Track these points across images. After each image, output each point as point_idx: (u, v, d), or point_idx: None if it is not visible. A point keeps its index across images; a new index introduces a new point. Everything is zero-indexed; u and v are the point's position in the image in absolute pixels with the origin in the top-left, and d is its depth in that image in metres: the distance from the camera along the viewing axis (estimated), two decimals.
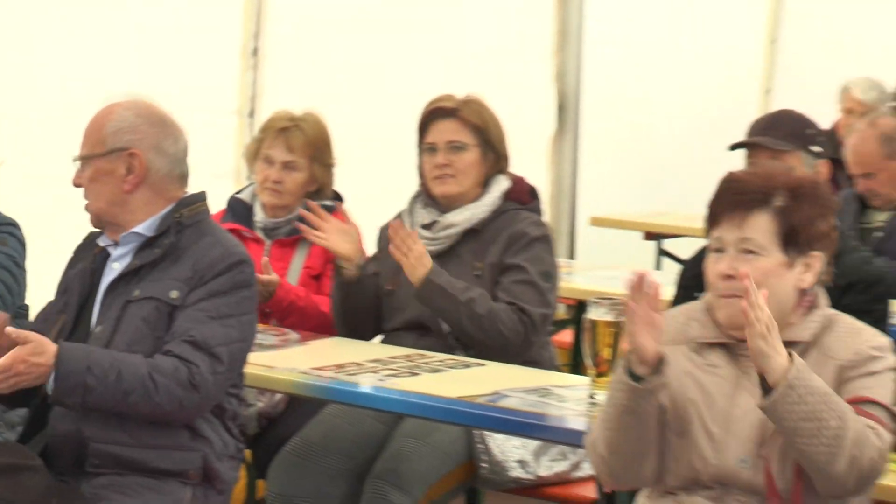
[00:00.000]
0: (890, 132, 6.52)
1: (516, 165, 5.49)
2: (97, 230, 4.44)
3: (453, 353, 5.19)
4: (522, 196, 5.42)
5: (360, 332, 5.42)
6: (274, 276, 5.50)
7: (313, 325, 5.52)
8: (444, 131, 5.33)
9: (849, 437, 3.52)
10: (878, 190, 6.52)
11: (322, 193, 5.78)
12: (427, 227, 5.37)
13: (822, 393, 3.53)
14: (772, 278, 3.68)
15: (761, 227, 3.71)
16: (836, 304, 4.01)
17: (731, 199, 3.75)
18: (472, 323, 5.16)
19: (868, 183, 6.52)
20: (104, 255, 4.39)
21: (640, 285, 3.61)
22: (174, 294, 4.26)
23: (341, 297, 5.39)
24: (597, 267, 7.46)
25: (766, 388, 3.54)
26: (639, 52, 9.41)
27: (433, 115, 5.36)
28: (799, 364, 3.53)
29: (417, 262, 5.18)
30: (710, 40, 9.75)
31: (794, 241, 3.71)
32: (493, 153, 5.37)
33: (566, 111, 8.96)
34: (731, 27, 9.96)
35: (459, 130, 5.32)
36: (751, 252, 3.70)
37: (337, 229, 5.36)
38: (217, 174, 7.23)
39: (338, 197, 5.85)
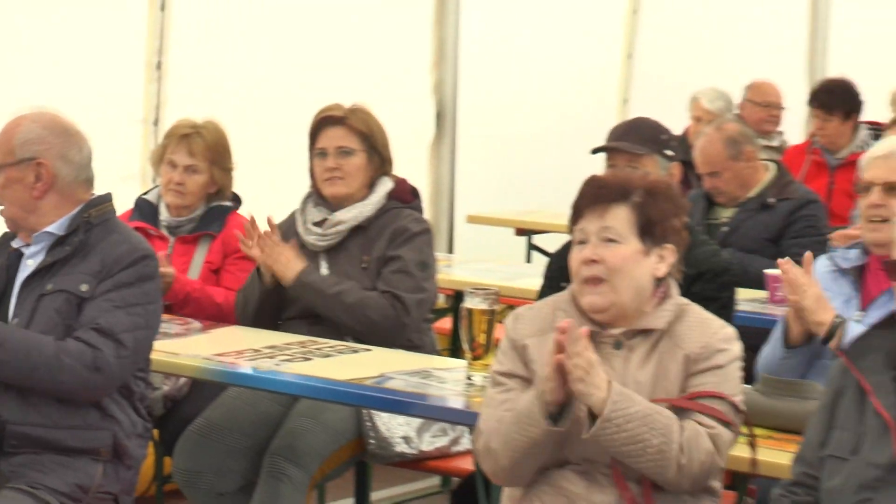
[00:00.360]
0: (734, 135, 6.58)
1: (399, 168, 5.49)
2: (11, 232, 4.42)
3: (343, 340, 5.18)
4: (405, 196, 5.43)
5: (264, 324, 5.40)
6: (170, 270, 5.47)
7: (207, 315, 5.50)
8: (334, 137, 5.32)
9: (674, 450, 3.53)
10: (722, 188, 6.58)
11: (221, 195, 5.76)
12: (318, 224, 5.37)
13: (642, 416, 3.53)
14: (630, 263, 3.70)
15: (621, 217, 3.72)
16: (687, 292, 4.04)
17: (594, 194, 3.76)
18: (343, 312, 5.18)
19: (714, 181, 6.57)
20: (18, 254, 4.36)
21: (565, 340, 3.53)
22: (84, 287, 4.24)
23: (259, 301, 5.35)
24: (473, 260, 7.46)
25: (594, 418, 3.54)
26: (510, 65, 9.43)
27: (324, 122, 5.35)
28: (615, 396, 3.52)
29: (286, 266, 5.20)
30: (574, 56, 9.80)
31: (650, 232, 3.72)
32: (379, 157, 5.37)
33: (444, 119, 8.98)
34: (592, 44, 10.02)
35: (347, 137, 5.31)
36: (611, 240, 3.71)
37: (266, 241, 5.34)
38: (125, 177, 7.21)
39: (236, 198, 5.83)
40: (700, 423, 3.59)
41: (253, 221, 5.34)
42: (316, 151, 5.35)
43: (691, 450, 3.55)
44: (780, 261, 4.49)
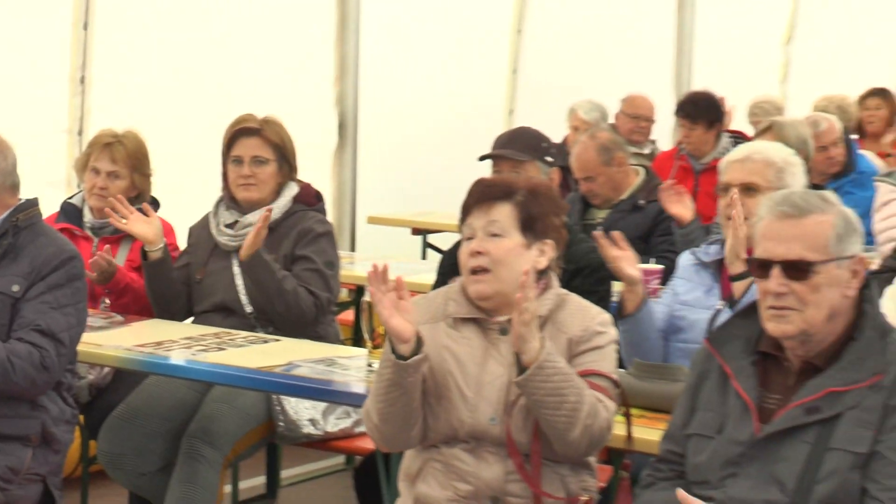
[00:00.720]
0: (606, 143, 6.62)
1: (305, 174, 5.51)
2: None
3: (254, 331, 5.18)
4: (309, 199, 5.43)
5: (172, 311, 5.38)
6: (115, 261, 5.46)
7: (143, 304, 5.47)
8: (250, 147, 5.30)
9: (584, 410, 3.56)
10: (597, 191, 6.61)
11: (141, 198, 5.72)
12: (230, 225, 5.36)
13: (566, 373, 3.57)
14: (512, 256, 3.72)
15: (504, 213, 3.74)
16: (567, 286, 4.06)
17: (481, 193, 3.79)
18: (281, 297, 5.16)
19: (589, 185, 6.61)
20: None
21: (381, 277, 3.61)
22: (16, 287, 4.21)
23: (148, 277, 5.35)
24: (373, 258, 7.41)
25: (521, 367, 3.57)
26: (406, 80, 9.44)
27: (240, 132, 5.33)
28: (549, 348, 3.56)
29: (252, 243, 5.13)
30: (464, 71, 9.82)
31: (531, 227, 3.75)
32: (288, 166, 5.37)
33: (346, 129, 8.97)
34: (480, 60, 10.05)
35: (262, 147, 5.31)
36: (495, 234, 3.73)
37: (139, 218, 5.32)
38: (51, 183, 7.13)
39: (155, 202, 5.79)
40: (594, 396, 3.62)
41: (122, 200, 5.34)
42: (232, 159, 5.33)
43: (595, 415, 3.58)
44: (593, 232, 4.53)
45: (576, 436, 3.58)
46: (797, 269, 3.26)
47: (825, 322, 3.27)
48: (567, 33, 10.50)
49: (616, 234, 4.52)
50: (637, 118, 9.35)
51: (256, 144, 5.30)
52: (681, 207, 6.28)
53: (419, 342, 3.61)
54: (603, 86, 9.95)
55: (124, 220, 5.30)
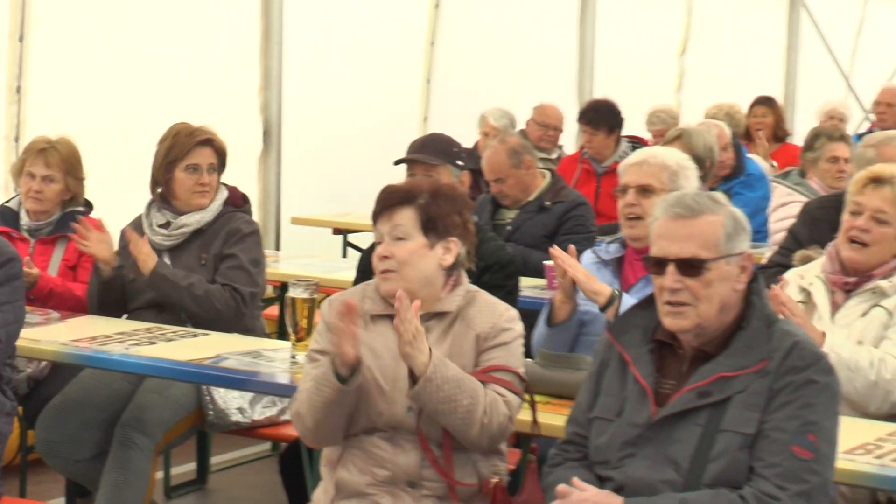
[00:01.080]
0: (515, 147, 6.63)
1: (232, 178, 5.53)
2: None
3: (184, 326, 5.15)
4: (237, 201, 5.45)
5: (113, 313, 5.34)
6: (35, 270, 5.44)
7: (69, 307, 5.43)
8: (205, 156, 5.32)
9: (479, 411, 3.59)
10: (507, 192, 6.62)
11: (75, 201, 5.70)
12: (163, 226, 5.35)
13: (457, 380, 3.59)
14: (416, 257, 3.74)
15: (406, 217, 3.76)
16: (478, 281, 4.09)
17: (384, 201, 3.80)
18: (192, 302, 5.16)
19: (499, 186, 6.62)
20: None
21: (349, 314, 3.60)
22: None
23: (99, 292, 5.32)
24: (296, 256, 7.45)
25: (414, 380, 3.59)
26: (327, 89, 9.41)
27: (199, 142, 5.33)
28: (436, 360, 3.58)
29: (147, 258, 5.17)
30: (381, 80, 9.81)
31: (433, 228, 3.76)
32: (223, 171, 5.41)
33: (270, 135, 8.94)
34: (396, 70, 10.03)
35: (213, 155, 5.35)
36: (399, 238, 3.75)
37: (97, 238, 5.28)
38: None
39: (88, 204, 5.77)
40: (496, 392, 3.65)
41: (85, 223, 5.30)
42: (187, 167, 5.31)
43: (492, 412, 3.60)
44: (550, 249, 4.55)
45: (474, 434, 3.61)
46: (691, 267, 3.29)
47: (717, 315, 3.30)
48: (477, 45, 10.52)
49: (553, 250, 4.52)
50: (546, 126, 9.39)
51: (210, 153, 5.33)
52: None
53: (358, 366, 3.62)
54: (511, 94, 10.00)
55: (85, 243, 5.27)
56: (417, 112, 10.31)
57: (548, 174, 6.75)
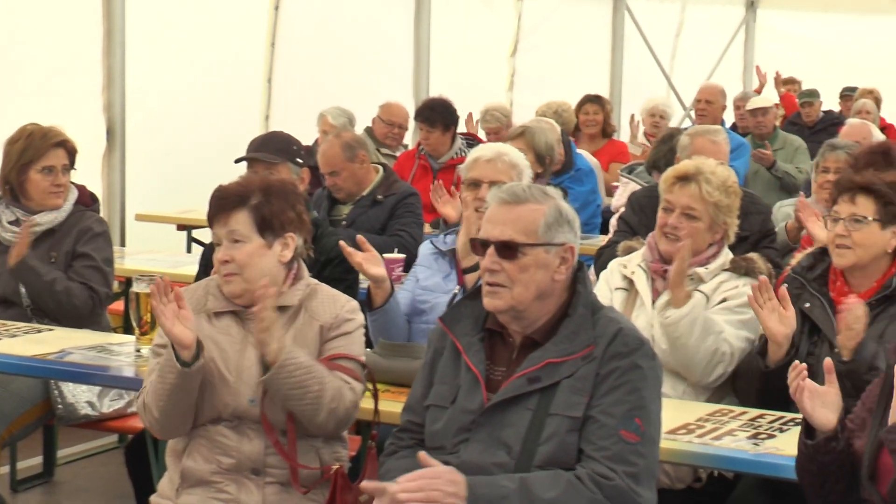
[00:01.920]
0: (349, 141, 6.62)
1: (77, 176, 5.48)
2: None
3: (30, 322, 5.09)
4: (86, 200, 5.44)
5: None
6: None
7: None
8: (59, 157, 5.30)
9: (327, 397, 3.60)
10: (341, 185, 6.59)
11: None
12: (13, 223, 5.29)
13: (307, 367, 3.59)
14: (256, 258, 3.72)
15: (242, 220, 3.73)
16: (319, 275, 4.08)
17: (218, 204, 3.77)
18: (52, 297, 5.13)
19: (333, 179, 6.59)
20: None
21: (162, 290, 3.58)
22: None
23: None
24: (141, 252, 7.37)
25: (266, 366, 3.58)
26: (170, 88, 9.29)
27: (55, 144, 5.27)
28: (288, 348, 3.58)
29: (25, 249, 5.14)
30: (223, 80, 9.72)
31: (269, 227, 3.74)
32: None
33: (114, 134, 8.81)
34: (238, 69, 9.96)
35: (66, 156, 5.32)
36: (238, 241, 3.73)
37: None
38: None
39: None
40: (341, 379, 3.66)
41: None
42: (43, 168, 5.25)
43: (339, 398, 3.62)
44: (357, 237, 4.56)
45: (322, 419, 3.62)
46: (507, 249, 3.32)
47: (534, 300, 3.33)
48: (318, 45, 10.48)
49: (360, 237, 4.53)
50: (392, 124, 9.40)
51: (63, 154, 5.31)
52: (449, 208, 6.39)
53: (199, 346, 3.58)
54: (350, 93, 9.98)
55: None
56: (259, 110, 10.24)
57: (381, 169, 6.76)
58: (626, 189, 7.18)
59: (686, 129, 7.33)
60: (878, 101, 12.15)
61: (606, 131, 10.00)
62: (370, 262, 4.48)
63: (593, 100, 10.03)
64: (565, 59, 13.15)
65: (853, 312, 3.99)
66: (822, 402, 3.22)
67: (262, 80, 10.25)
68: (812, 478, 3.26)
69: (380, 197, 6.56)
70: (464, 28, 12.02)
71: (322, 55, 10.46)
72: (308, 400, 3.58)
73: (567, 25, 13.25)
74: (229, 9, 9.85)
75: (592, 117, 9.89)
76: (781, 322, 4.16)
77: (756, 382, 4.26)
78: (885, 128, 12.18)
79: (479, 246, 3.37)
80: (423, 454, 3.26)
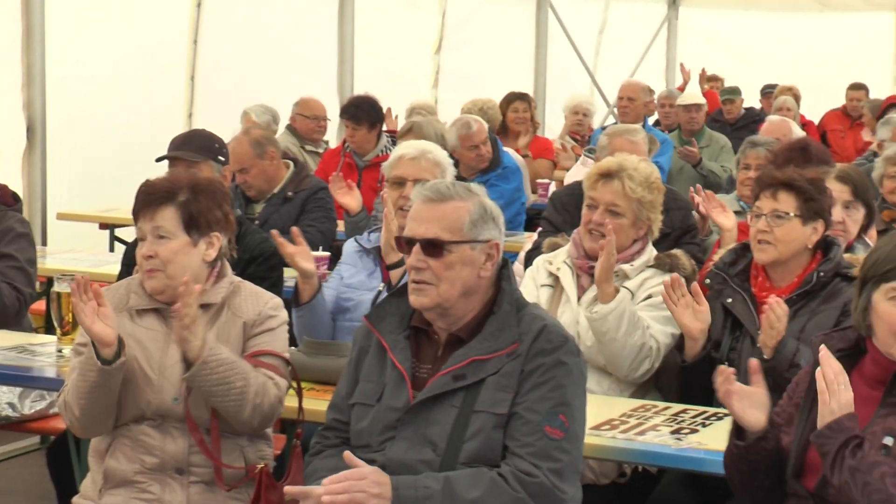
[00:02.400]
0: (259, 138, 6.61)
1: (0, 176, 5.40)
2: None
3: None
4: (8, 200, 5.40)
5: None
6: None
7: None
8: None
9: (251, 392, 3.59)
10: (251, 182, 6.57)
11: None
12: None
13: (230, 363, 3.58)
14: (180, 255, 3.71)
15: (168, 217, 3.71)
16: (243, 273, 4.06)
17: (145, 199, 3.75)
18: None
19: (244, 177, 6.57)
20: None
21: (82, 288, 3.54)
22: None
23: None
24: (62, 251, 7.30)
25: (188, 363, 3.56)
26: (92, 86, 9.21)
27: None
28: (211, 344, 3.57)
29: None
30: (146, 78, 9.64)
31: (195, 226, 3.73)
32: None
33: (34, 132, 8.70)
34: (161, 67, 9.88)
35: None
36: (163, 237, 3.70)
37: None
38: None
39: None
40: (265, 375, 3.65)
41: None
42: None
43: (263, 394, 3.61)
44: (292, 228, 4.54)
45: (247, 415, 3.60)
46: (433, 247, 3.32)
47: (460, 298, 3.34)
48: (239, 44, 10.43)
49: (294, 229, 4.53)
50: (316, 118, 9.40)
51: None
52: (349, 199, 6.40)
53: (120, 344, 3.56)
54: (274, 91, 9.94)
55: None
56: (182, 109, 10.16)
57: (291, 165, 6.74)
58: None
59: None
60: (797, 98, 12.30)
61: (532, 128, 10.04)
62: (301, 255, 4.48)
63: (521, 97, 10.07)
64: (490, 56, 13.18)
65: (774, 311, 4.03)
66: (751, 402, 3.24)
67: (185, 77, 10.17)
68: (742, 476, 3.29)
69: (290, 193, 6.55)
70: (388, 25, 12.01)
71: (245, 53, 10.41)
72: (232, 396, 3.56)
73: (491, 23, 13.29)
74: (151, 6, 9.76)
75: (521, 115, 9.92)
76: (696, 317, 4.20)
77: (675, 378, 4.29)
78: (804, 124, 12.35)
79: (404, 244, 3.37)
80: (348, 454, 3.25)
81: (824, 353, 3.15)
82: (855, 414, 3.08)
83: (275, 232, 4.53)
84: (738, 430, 3.28)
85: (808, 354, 3.98)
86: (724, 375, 3.27)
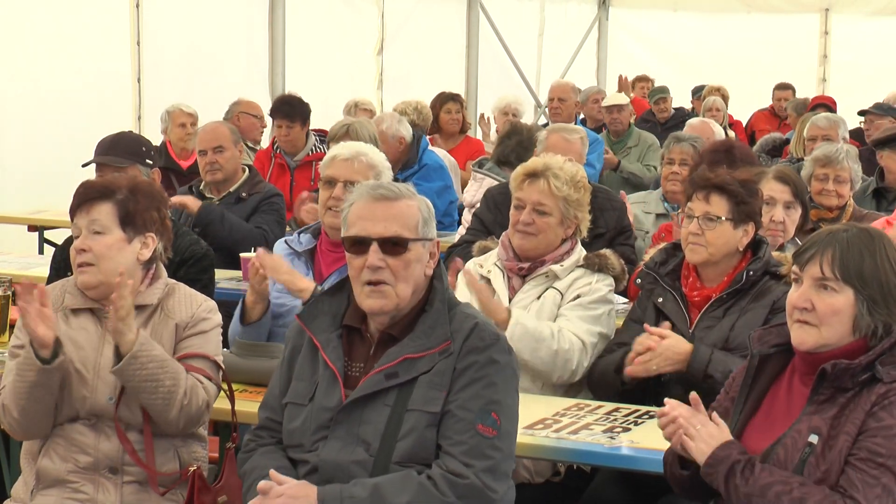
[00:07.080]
0: (234, 130, 6.72)
1: None
2: None
3: None
4: None
5: None
6: None
7: None
8: None
9: (180, 393, 3.58)
10: (222, 164, 6.57)
11: None
12: None
13: (161, 360, 3.56)
14: (114, 251, 3.70)
15: (105, 212, 3.71)
16: (174, 275, 4.03)
17: (84, 195, 3.75)
18: None
19: (216, 157, 6.55)
20: None
21: (28, 290, 3.51)
22: None
23: None
24: None
25: (120, 356, 3.54)
26: (26, 86, 9.13)
27: None
28: (143, 339, 3.55)
29: None
30: (93, 80, 9.59)
31: (131, 223, 3.72)
32: None
33: None
34: (107, 70, 9.80)
35: None
36: (98, 232, 3.69)
37: None
38: None
39: None
40: (195, 378, 3.64)
41: None
42: None
43: (192, 396, 3.60)
44: (259, 251, 4.51)
45: (173, 415, 3.59)
46: (394, 245, 3.31)
47: (411, 297, 3.34)
48: (180, 46, 10.40)
49: (261, 251, 4.50)
50: (258, 117, 9.43)
51: None
52: (304, 214, 6.40)
53: (58, 344, 3.53)
54: (212, 91, 9.93)
55: None
56: (131, 110, 10.06)
57: (247, 169, 6.75)
58: (480, 185, 7.21)
59: (531, 125, 7.45)
60: (725, 98, 12.40)
61: (462, 129, 10.06)
62: (294, 275, 4.47)
63: (453, 98, 10.09)
64: (426, 58, 13.21)
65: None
66: (699, 436, 3.17)
67: (131, 79, 10.10)
68: (682, 481, 3.30)
69: (245, 195, 6.55)
70: (325, 26, 11.98)
71: (185, 53, 10.39)
72: (160, 394, 3.55)
73: (426, 25, 13.31)
74: (90, 7, 9.67)
75: (454, 116, 9.94)
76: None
77: (611, 388, 4.31)
78: (733, 124, 12.47)
79: (356, 244, 3.34)
80: (273, 472, 3.23)
81: (670, 405, 3.18)
82: (728, 441, 3.11)
83: (255, 262, 4.47)
84: (681, 461, 3.27)
85: (724, 363, 4.02)
86: (674, 425, 3.18)
